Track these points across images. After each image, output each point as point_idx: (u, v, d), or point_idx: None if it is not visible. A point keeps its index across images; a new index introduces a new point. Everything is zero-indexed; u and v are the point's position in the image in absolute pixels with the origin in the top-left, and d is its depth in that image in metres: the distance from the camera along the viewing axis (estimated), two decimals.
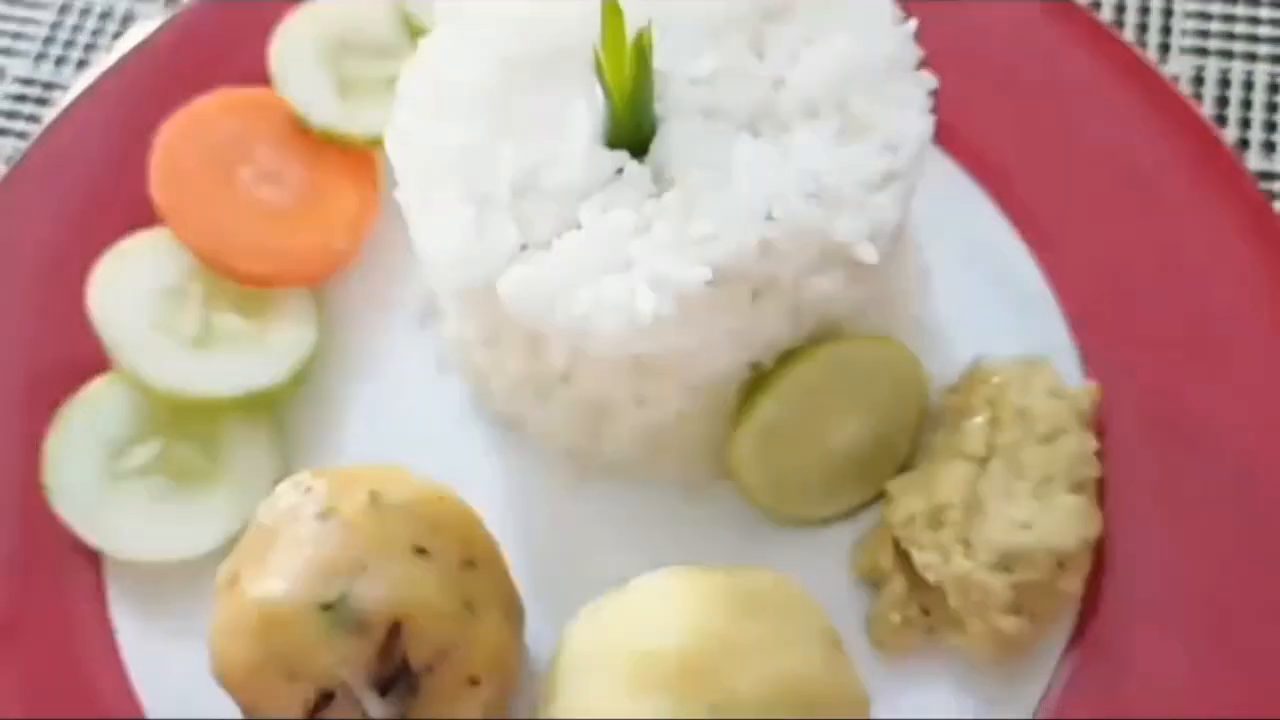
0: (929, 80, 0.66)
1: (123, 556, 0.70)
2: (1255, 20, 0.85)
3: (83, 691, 0.68)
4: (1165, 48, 0.85)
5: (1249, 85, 0.83)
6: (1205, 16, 0.85)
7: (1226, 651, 0.64)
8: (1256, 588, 0.65)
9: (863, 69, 0.64)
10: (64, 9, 0.93)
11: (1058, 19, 0.81)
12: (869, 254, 0.61)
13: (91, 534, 0.70)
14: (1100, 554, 0.66)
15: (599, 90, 0.62)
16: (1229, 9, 0.85)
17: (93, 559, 0.70)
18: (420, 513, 0.62)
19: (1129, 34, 0.85)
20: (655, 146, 0.63)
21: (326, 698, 0.58)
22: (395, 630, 0.58)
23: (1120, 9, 0.86)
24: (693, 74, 0.64)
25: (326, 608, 0.58)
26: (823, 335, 0.66)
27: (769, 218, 0.61)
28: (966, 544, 0.64)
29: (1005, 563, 0.63)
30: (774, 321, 0.64)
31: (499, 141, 0.64)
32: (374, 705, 0.58)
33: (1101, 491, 0.68)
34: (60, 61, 0.91)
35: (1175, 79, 0.83)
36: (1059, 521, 0.63)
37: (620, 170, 0.63)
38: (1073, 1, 0.81)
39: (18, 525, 0.70)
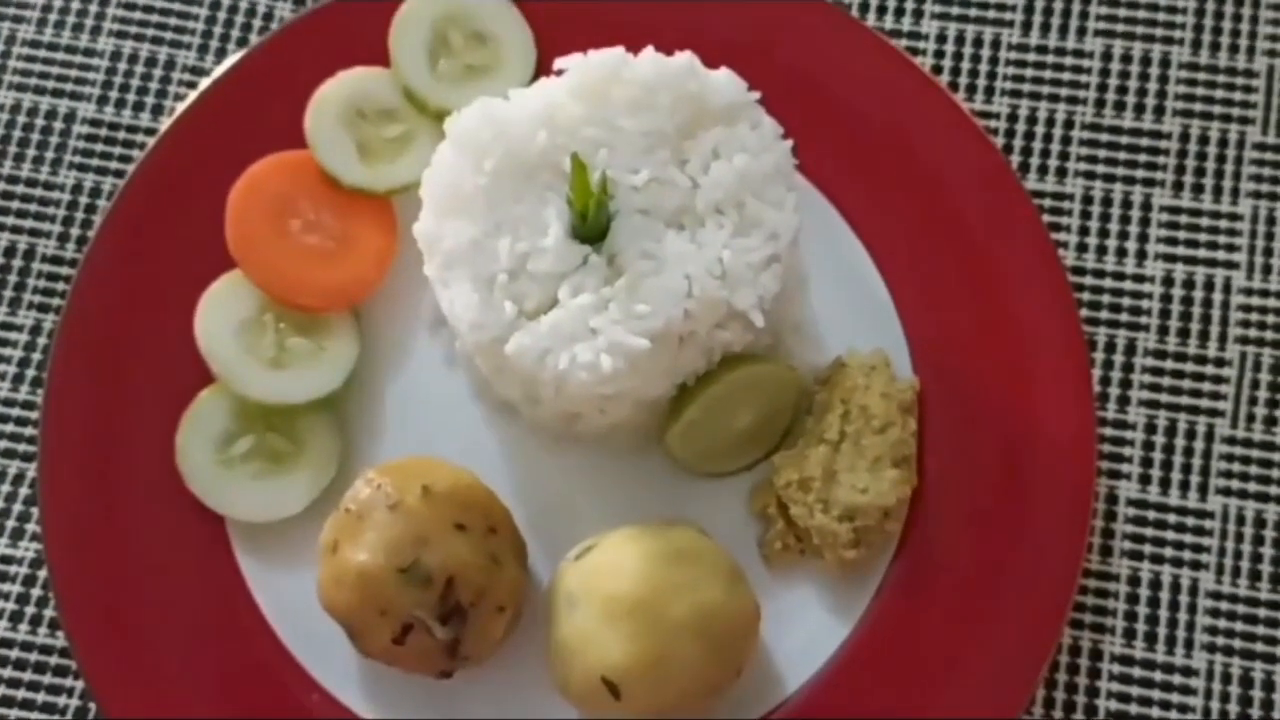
0: (801, 182, 0.92)
1: (236, 518, 0.97)
2: (1060, 67, 1.11)
3: (219, 615, 0.96)
4: (990, 90, 1.11)
5: (1051, 122, 1.10)
6: (1022, 64, 1.11)
7: (990, 576, 0.94)
8: (1014, 527, 0.95)
9: (754, 177, 0.89)
10: (116, 55, 1.12)
11: (901, 72, 1.04)
12: (758, 319, 0.89)
13: (213, 503, 0.96)
14: (914, 502, 0.96)
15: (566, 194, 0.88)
16: (1041, 58, 1.11)
17: (219, 520, 0.97)
18: (457, 498, 0.89)
19: (963, 79, 1.11)
20: (610, 238, 0.89)
21: (407, 628, 0.87)
22: (449, 582, 0.86)
23: (955, 70, 1.11)
24: (633, 182, 0.89)
25: (403, 570, 0.86)
26: (727, 359, 0.94)
27: (689, 295, 0.88)
28: (825, 503, 0.93)
29: (849, 514, 0.92)
30: (692, 358, 0.91)
31: (496, 237, 0.89)
32: (439, 631, 0.86)
33: (920, 455, 0.98)
34: (120, 104, 1.11)
35: (996, 115, 1.09)
36: (885, 487, 0.92)
37: (586, 259, 0.89)
38: (905, 55, 1.04)
39: (167, 499, 0.97)
